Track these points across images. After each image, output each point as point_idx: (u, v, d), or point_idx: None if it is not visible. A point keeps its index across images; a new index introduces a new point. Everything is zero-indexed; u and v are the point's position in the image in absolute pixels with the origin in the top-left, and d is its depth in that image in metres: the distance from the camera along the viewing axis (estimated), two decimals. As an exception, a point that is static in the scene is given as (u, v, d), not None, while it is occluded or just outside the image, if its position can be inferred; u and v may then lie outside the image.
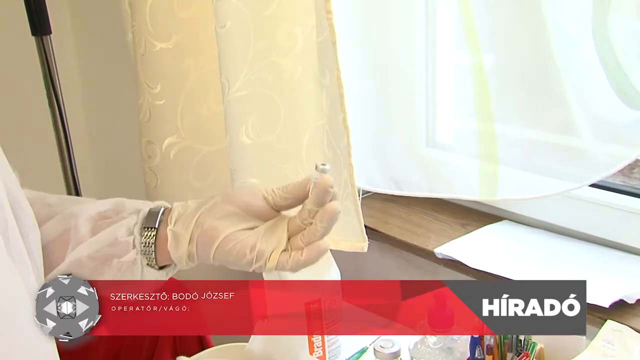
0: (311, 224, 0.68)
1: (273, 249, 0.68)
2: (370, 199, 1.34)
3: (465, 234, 1.21)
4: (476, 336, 0.83)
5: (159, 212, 0.72)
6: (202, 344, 1.14)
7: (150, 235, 0.71)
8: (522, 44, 1.03)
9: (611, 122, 0.98)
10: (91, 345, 1.12)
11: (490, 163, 1.12)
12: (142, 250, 0.70)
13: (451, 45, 1.18)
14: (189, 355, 0.89)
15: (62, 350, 0.67)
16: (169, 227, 0.70)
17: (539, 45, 0.99)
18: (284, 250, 0.68)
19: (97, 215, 0.73)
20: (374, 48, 1.18)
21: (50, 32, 1.29)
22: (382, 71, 1.19)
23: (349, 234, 1.08)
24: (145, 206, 0.74)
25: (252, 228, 0.70)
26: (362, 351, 0.68)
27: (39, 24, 1.27)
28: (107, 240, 0.70)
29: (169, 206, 0.73)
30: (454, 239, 1.19)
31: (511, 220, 1.23)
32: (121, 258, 0.70)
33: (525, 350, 0.81)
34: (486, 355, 0.82)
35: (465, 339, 0.87)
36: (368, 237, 1.08)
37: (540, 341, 0.86)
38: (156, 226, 0.71)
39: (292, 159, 1.10)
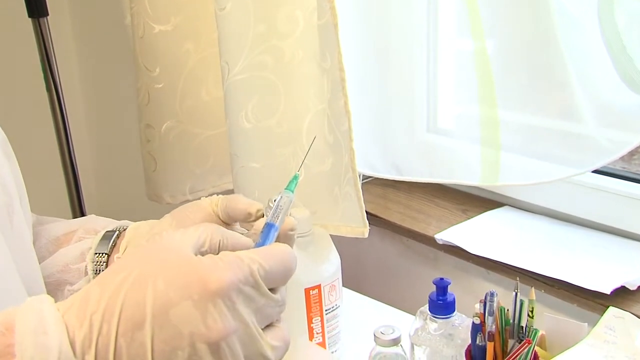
0: None
1: None
2: (371, 184, 1.33)
3: (465, 220, 1.20)
4: (477, 322, 0.82)
5: (112, 236, 0.64)
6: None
7: (100, 262, 0.63)
8: (526, 29, 1.02)
9: (615, 107, 0.98)
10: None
11: (492, 149, 1.11)
12: (94, 278, 0.63)
13: (453, 30, 1.16)
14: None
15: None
16: (116, 255, 0.63)
17: (543, 29, 0.98)
18: None
19: (63, 236, 0.67)
20: (375, 32, 1.17)
21: (47, 14, 1.27)
22: (384, 56, 1.18)
23: (349, 220, 1.07)
24: (109, 225, 0.67)
25: None
26: (295, 177, 0.56)
27: (36, 6, 1.25)
28: (58, 265, 0.65)
29: (130, 225, 0.66)
30: (454, 224, 1.19)
31: (512, 206, 1.23)
32: (73, 285, 0.64)
33: (527, 337, 0.81)
34: (487, 342, 0.82)
35: (467, 326, 0.86)
36: (368, 223, 1.07)
37: (542, 328, 0.86)
38: (107, 252, 0.64)
39: (293, 143, 1.09)
